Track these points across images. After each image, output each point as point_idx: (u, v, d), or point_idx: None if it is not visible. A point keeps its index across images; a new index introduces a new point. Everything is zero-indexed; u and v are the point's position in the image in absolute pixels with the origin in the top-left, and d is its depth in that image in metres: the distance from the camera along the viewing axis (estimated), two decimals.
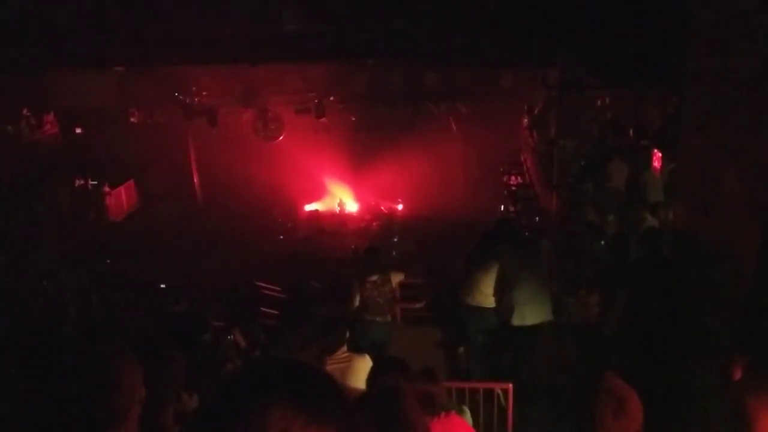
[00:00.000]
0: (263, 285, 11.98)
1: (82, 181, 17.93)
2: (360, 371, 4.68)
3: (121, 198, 19.15)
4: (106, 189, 18.24)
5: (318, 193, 21.64)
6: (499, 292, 6.90)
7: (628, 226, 9.15)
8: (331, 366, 4.89)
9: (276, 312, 10.66)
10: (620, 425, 2.17)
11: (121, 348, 2.33)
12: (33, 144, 17.86)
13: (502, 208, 16.87)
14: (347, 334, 5.27)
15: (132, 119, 18.72)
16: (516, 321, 6.66)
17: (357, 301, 7.16)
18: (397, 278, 7.52)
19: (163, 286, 11.43)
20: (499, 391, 5.96)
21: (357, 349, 5.35)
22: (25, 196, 15.43)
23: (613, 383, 2.24)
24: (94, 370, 2.19)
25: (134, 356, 2.30)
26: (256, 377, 0.96)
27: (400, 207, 21.01)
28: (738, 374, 3.45)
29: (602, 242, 9.47)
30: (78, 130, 18.94)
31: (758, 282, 3.74)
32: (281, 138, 18.62)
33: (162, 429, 2.87)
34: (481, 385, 6.03)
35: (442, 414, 3.38)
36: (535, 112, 17.79)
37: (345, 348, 5.10)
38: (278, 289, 12.00)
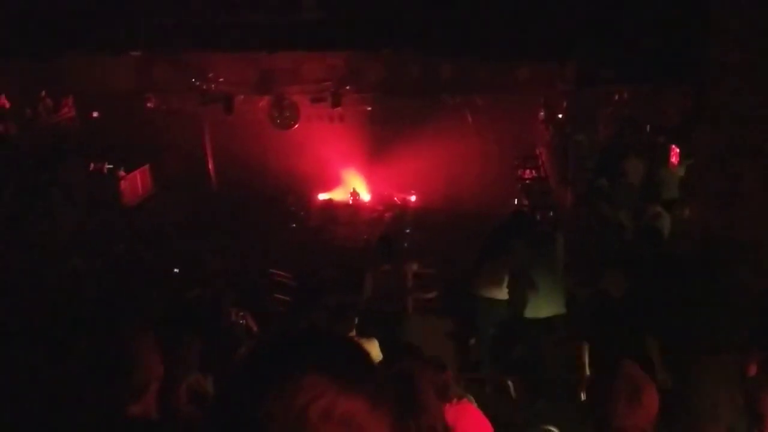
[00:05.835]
0: (276, 272, 12.02)
1: (97, 165, 17.99)
2: None
3: (136, 183, 19.18)
4: (121, 173, 18.29)
5: (331, 183, 21.61)
6: (512, 284, 6.91)
7: (647, 219, 9.07)
8: None
9: (288, 299, 10.72)
10: (633, 413, 2.16)
11: (142, 328, 2.41)
12: (50, 127, 17.96)
13: (516, 202, 16.81)
14: (356, 321, 5.34)
15: (148, 104, 18.76)
16: (529, 313, 6.66)
17: (369, 291, 7.18)
18: (409, 268, 7.54)
19: (176, 271, 11.50)
20: (509, 384, 5.98)
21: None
22: (42, 178, 15.53)
23: (632, 370, 2.23)
24: (117, 348, 2.25)
25: (154, 336, 2.37)
26: (290, 345, 0.96)
27: (413, 198, 20.95)
28: (753, 370, 3.44)
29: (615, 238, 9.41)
30: (95, 114, 19.00)
31: None
32: (296, 126, 18.62)
33: (177, 404, 2.96)
34: (492, 377, 6.04)
35: (455, 400, 3.40)
36: (558, 112, 17.60)
37: (354, 333, 5.16)
38: (290, 276, 12.05)
